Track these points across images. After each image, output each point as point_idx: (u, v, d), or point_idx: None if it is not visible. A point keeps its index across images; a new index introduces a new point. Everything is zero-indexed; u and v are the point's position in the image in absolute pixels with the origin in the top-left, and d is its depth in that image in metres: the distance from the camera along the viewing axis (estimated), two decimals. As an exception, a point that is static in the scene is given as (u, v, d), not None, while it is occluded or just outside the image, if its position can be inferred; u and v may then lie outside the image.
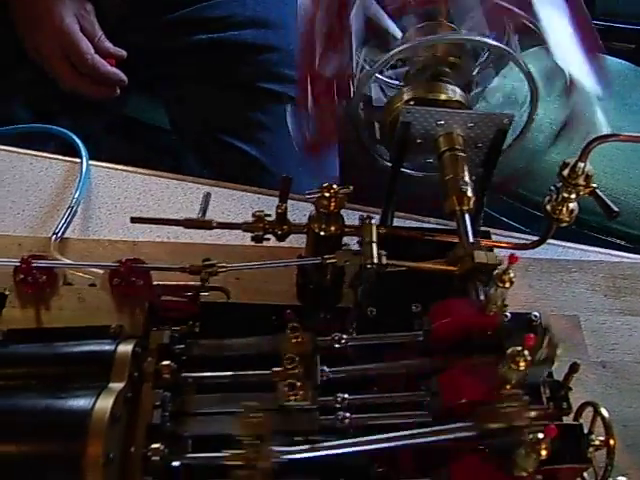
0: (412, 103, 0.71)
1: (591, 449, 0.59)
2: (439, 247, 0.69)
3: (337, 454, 0.53)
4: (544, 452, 0.48)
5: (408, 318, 0.65)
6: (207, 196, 0.69)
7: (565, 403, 0.63)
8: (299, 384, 0.56)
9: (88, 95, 1.16)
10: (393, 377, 0.60)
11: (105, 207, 0.89)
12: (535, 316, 0.75)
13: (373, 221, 0.64)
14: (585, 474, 0.61)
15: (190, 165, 1.27)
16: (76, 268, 0.68)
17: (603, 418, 0.60)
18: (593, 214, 1.26)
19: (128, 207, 0.88)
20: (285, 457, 0.52)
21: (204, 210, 0.68)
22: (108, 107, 1.29)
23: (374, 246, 0.62)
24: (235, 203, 0.89)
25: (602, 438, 0.59)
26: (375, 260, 0.61)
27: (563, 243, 0.91)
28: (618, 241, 1.28)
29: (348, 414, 0.56)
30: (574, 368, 0.62)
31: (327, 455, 0.53)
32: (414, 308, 0.68)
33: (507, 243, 0.71)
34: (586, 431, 0.59)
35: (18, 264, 0.65)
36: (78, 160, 0.92)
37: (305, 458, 0.53)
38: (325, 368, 0.58)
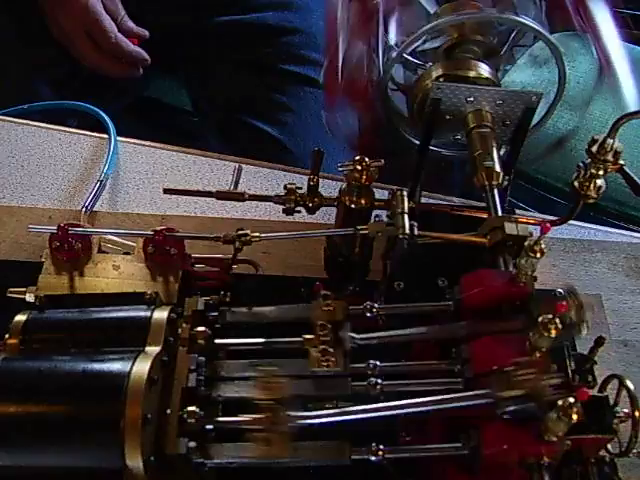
0: (442, 80, 0.71)
1: (616, 421, 0.60)
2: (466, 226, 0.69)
3: (355, 419, 0.54)
4: (575, 416, 0.49)
5: (435, 293, 0.65)
6: (239, 168, 0.70)
7: (590, 376, 0.64)
8: (331, 350, 0.56)
9: (111, 74, 1.17)
10: (424, 346, 0.61)
11: (133, 182, 0.90)
12: (560, 293, 0.76)
13: (405, 191, 0.65)
14: (609, 446, 0.62)
15: (212, 146, 1.28)
16: (110, 237, 0.69)
17: (629, 390, 0.61)
18: (611, 200, 1.28)
19: (156, 182, 0.89)
20: (301, 422, 0.54)
21: (236, 182, 0.69)
22: (130, 88, 1.30)
23: (405, 217, 0.63)
24: (262, 180, 0.90)
25: (627, 410, 0.60)
26: (407, 230, 0.62)
27: (585, 224, 0.91)
28: (636, 228, 1.28)
29: (380, 380, 0.56)
30: (599, 342, 0.63)
31: (346, 420, 0.54)
32: (440, 283, 0.69)
33: (534, 219, 0.72)
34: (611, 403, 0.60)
35: (54, 231, 0.66)
36: (105, 136, 0.93)
37: (329, 423, 0.54)
38: (355, 335, 0.59)
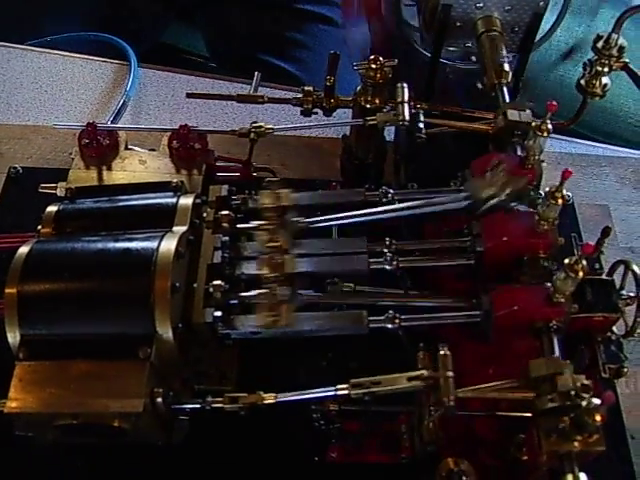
0: (452, -15, 0.73)
1: (621, 302, 0.62)
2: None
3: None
4: (581, 273, 0.51)
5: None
6: (258, 75, 0.73)
7: (597, 264, 0.66)
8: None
9: None
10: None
11: (154, 104, 0.93)
12: (568, 196, 0.78)
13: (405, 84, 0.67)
14: (615, 329, 0.64)
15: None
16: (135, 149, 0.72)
17: (634, 274, 0.63)
18: (621, 139, 1.30)
19: (175, 105, 0.93)
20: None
21: (255, 87, 0.72)
22: (146, 35, 1.32)
23: (406, 105, 0.65)
24: (278, 100, 0.93)
25: (632, 294, 0.62)
26: (406, 117, 0.64)
27: (595, 143, 0.94)
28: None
29: (396, 256, 0.59)
30: (606, 232, 0.65)
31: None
32: (452, 185, 0.71)
33: (542, 122, 0.74)
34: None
35: (83, 127, 0.69)
36: (125, 63, 0.96)
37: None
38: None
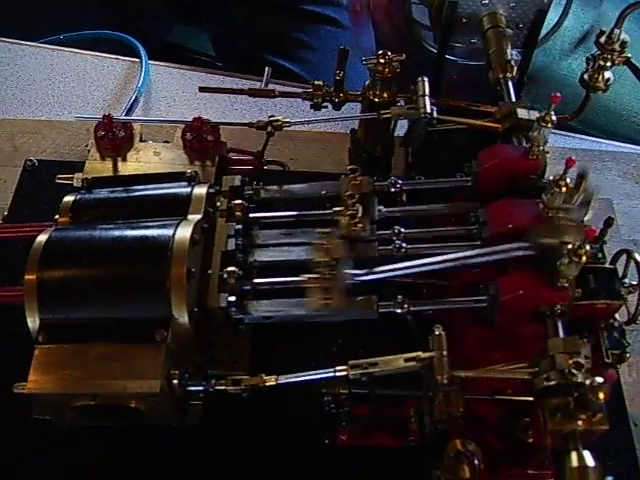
0: (458, -18, 0.75)
1: (624, 290, 0.63)
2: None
3: (404, 274, 0.59)
4: (584, 258, 0.53)
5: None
6: (269, 70, 0.75)
7: (600, 253, 0.68)
8: (359, 216, 0.61)
9: None
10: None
11: (164, 101, 0.95)
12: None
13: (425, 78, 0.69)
14: (617, 316, 0.65)
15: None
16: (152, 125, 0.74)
17: (637, 262, 0.64)
18: (626, 139, 1.31)
19: (185, 100, 0.94)
20: (357, 278, 0.58)
21: (266, 82, 0.74)
22: (152, 35, 1.34)
23: (427, 99, 0.67)
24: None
25: (635, 282, 0.64)
26: (428, 110, 0.66)
27: (597, 139, 0.96)
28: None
29: (405, 244, 0.61)
30: (609, 222, 0.67)
31: (393, 276, 0.59)
32: (459, 176, 0.73)
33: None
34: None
35: (100, 119, 0.71)
36: (136, 60, 0.98)
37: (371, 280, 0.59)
38: (382, 207, 0.63)
